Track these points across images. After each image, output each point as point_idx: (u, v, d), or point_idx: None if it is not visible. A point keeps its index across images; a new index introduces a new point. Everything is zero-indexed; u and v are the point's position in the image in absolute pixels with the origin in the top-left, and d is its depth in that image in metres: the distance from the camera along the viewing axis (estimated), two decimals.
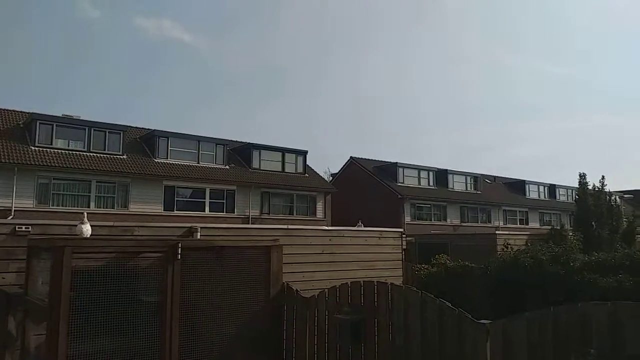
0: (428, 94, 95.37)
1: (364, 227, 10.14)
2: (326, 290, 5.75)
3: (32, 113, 24.63)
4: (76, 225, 5.90)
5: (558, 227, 17.87)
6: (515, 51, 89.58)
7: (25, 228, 5.91)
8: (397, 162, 37.56)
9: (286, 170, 31.42)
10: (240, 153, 30.65)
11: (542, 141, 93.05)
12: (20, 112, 25.79)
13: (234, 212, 28.02)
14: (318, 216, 31.33)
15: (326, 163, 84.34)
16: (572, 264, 10.22)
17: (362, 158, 40.31)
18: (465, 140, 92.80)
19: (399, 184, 36.58)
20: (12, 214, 21.02)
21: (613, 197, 20.38)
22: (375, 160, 40.44)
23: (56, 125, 24.30)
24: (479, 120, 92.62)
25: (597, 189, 19.54)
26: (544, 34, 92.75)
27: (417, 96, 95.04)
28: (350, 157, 40.29)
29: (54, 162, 23.01)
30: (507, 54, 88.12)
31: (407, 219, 34.74)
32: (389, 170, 37.72)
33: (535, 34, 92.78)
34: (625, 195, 45.91)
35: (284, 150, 31.78)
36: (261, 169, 30.31)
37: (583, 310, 4.03)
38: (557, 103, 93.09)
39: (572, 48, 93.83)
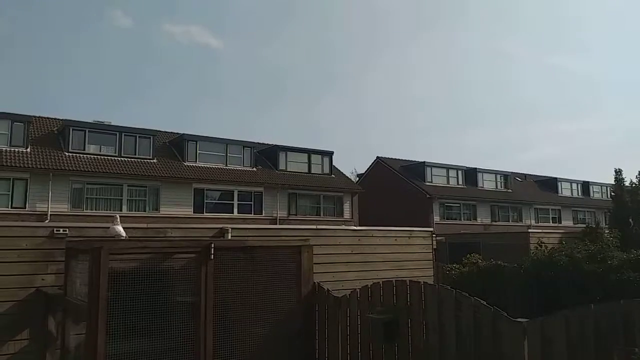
0: (444, 93, 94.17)
1: (394, 227, 9.99)
2: (358, 290, 5.72)
3: (65, 120, 25.34)
4: (109, 227, 6.00)
5: (593, 225, 17.40)
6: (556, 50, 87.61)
7: (63, 231, 6.03)
8: (424, 162, 37.18)
9: (312, 172, 31.48)
10: (267, 155, 30.87)
11: (571, 139, 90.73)
12: (54, 119, 26.54)
13: (261, 214, 28.22)
14: (345, 217, 31.26)
15: (352, 163, 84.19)
16: (609, 262, 9.93)
17: (388, 158, 40.03)
18: (490, 139, 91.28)
19: (427, 184, 36.21)
20: (48, 217, 21.66)
21: None
22: (401, 159, 40.11)
23: (88, 131, 24.96)
24: (510, 119, 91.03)
25: (634, 185, 18.97)
26: (605, 36, 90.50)
27: (437, 94, 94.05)
28: (377, 157, 40.08)
29: (86, 167, 23.62)
30: (549, 52, 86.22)
31: (436, 219, 34.35)
32: (417, 169, 37.37)
33: (597, 36, 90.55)
34: None
35: (310, 152, 31.85)
36: (288, 170, 30.45)
37: (626, 308, 3.90)
38: (584, 102, 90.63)
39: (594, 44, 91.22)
